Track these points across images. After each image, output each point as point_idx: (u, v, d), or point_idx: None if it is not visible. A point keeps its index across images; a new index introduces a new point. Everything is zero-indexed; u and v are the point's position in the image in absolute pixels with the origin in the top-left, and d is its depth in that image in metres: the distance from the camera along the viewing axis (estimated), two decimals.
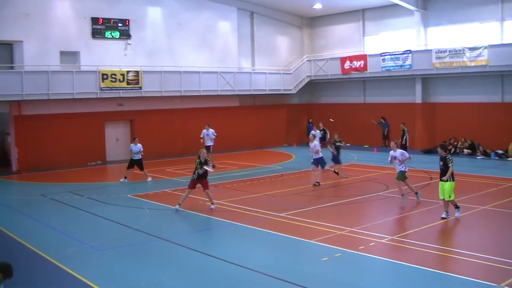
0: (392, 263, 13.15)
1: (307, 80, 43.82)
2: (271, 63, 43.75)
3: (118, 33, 35.66)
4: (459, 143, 35.44)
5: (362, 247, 14.39)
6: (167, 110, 37.45)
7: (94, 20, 34.68)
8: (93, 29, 34.67)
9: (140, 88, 34.64)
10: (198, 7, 39.36)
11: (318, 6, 41.48)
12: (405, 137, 33.28)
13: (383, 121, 38.35)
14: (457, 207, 17.68)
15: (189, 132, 37.02)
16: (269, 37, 44.00)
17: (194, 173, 20.10)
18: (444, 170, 17.57)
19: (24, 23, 32.02)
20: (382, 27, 41.49)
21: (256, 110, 42.84)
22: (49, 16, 33.10)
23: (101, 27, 34.93)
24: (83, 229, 17.76)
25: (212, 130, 31.11)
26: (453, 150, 35.08)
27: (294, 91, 43.50)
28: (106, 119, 35.15)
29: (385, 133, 38.58)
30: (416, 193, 20.58)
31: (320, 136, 34.37)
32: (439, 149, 18.11)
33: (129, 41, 36.06)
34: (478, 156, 33.89)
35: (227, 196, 22.27)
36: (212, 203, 20.03)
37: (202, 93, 37.75)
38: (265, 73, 41.71)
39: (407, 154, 20.78)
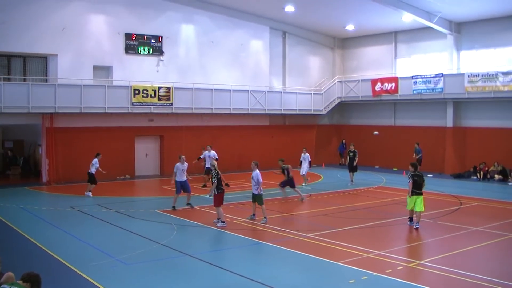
0: None
1: (337, 101, 43.75)
2: (302, 83, 43.76)
3: (151, 49, 35.99)
4: (491, 168, 35.00)
5: (390, 270, 14.23)
6: (197, 127, 37.63)
7: (128, 36, 35.07)
8: (126, 44, 35.04)
9: (171, 104, 34.84)
10: (231, 25, 39.59)
11: (350, 27, 41.56)
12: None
13: (417, 147, 37.30)
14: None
15: (219, 149, 37.04)
16: (300, 57, 44.05)
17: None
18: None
19: (60, 37, 32.50)
20: (414, 50, 41.31)
21: (286, 130, 42.83)
22: (84, 31, 33.55)
23: (134, 43, 35.29)
24: (110, 243, 17.84)
25: (214, 152, 30.72)
26: (483, 175, 34.73)
27: (324, 112, 43.44)
28: (136, 134, 35.41)
29: (419, 159, 37.29)
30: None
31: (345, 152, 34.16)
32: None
33: (161, 58, 36.35)
34: (510, 182, 33.43)
35: (255, 215, 22.18)
36: (220, 220, 20.39)
37: (232, 111, 37.85)
38: (296, 93, 41.73)
39: None
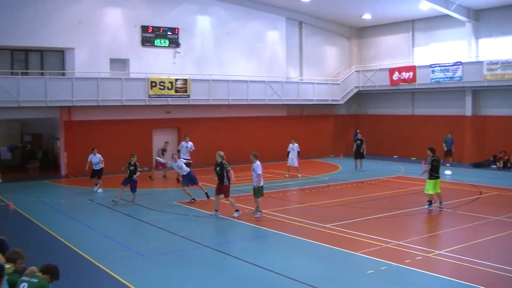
0: (439, 278, 12.86)
1: (355, 90, 43.56)
2: (319, 73, 43.57)
3: (167, 41, 36.02)
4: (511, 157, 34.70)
5: (408, 260, 14.15)
6: (214, 118, 37.66)
7: (144, 28, 35.11)
8: (142, 37, 35.09)
9: (188, 96, 34.86)
10: (247, 16, 39.49)
11: (367, 16, 41.28)
12: None
13: (450, 137, 36.79)
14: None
15: (236, 141, 37.15)
16: (317, 47, 43.85)
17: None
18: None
19: (76, 30, 32.63)
20: (432, 38, 40.95)
21: (303, 120, 42.71)
22: (100, 24, 33.66)
23: (150, 35, 35.33)
24: (129, 235, 17.95)
25: (191, 143, 30.26)
26: (503, 164, 34.44)
27: (341, 102, 43.28)
28: (153, 127, 35.50)
29: (450, 149, 36.67)
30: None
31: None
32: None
33: (178, 49, 36.36)
34: None
35: (273, 206, 22.18)
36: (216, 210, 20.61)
37: (249, 102, 37.82)
38: (313, 83, 41.59)
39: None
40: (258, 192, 20.32)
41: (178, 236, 17.33)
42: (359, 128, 42.04)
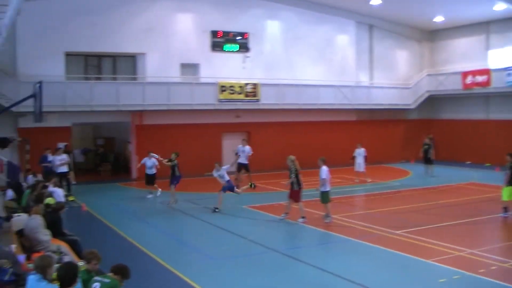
0: None
1: (426, 95, 42.70)
2: (390, 77, 42.89)
3: (237, 46, 36.17)
4: None
5: (483, 270, 13.70)
6: (283, 123, 37.56)
7: (214, 33, 35.36)
8: (212, 42, 35.35)
9: (258, 100, 34.94)
10: (316, 20, 39.26)
11: (439, 19, 40.31)
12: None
13: None
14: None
15: (306, 145, 36.88)
16: (387, 50, 43.16)
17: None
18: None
19: (147, 36, 33.17)
20: (508, 40, 39.69)
21: (374, 125, 42.14)
22: (171, 30, 34.11)
23: (220, 40, 35.55)
24: (198, 238, 18.03)
25: (248, 147, 29.75)
26: None
27: (413, 106, 42.53)
28: (223, 131, 35.69)
29: None
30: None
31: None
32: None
33: (247, 54, 36.45)
34: None
35: (343, 211, 21.94)
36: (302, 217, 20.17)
37: (319, 107, 37.57)
38: (383, 87, 41.04)
39: None
40: (323, 197, 20.17)
41: (247, 239, 17.32)
42: (429, 134, 41.25)
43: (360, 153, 31.01)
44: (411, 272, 13.95)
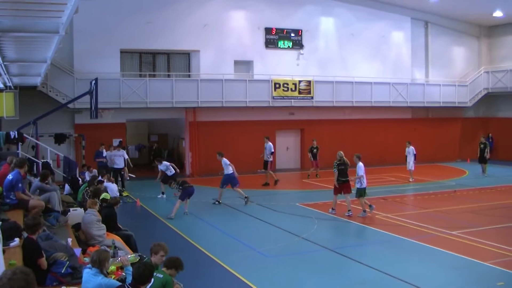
0: None
1: (484, 92, 41.81)
2: (446, 74, 42.09)
3: (291, 43, 36.04)
4: None
5: None
6: (337, 120, 37.29)
7: (268, 30, 35.30)
8: (266, 39, 35.30)
9: (312, 97, 34.76)
10: (371, 17, 38.80)
11: (498, 14, 39.25)
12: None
13: None
14: None
15: (360, 143, 36.56)
16: (444, 47, 42.30)
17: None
18: None
19: (202, 33, 33.33)
20: None
21: (429, 123, 41.49)
22: (225, 27, 34.20)
23: (274, 37, 35.48)
24: (251, 235, 17.98)
25: (271, 144, 29.69)
26: None
27: (469, 104, 41.69)
28: (277, 128, 35.60)
29: None
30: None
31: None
32: None
33: (301, 51, 36.28)
34: None
35: (397, 210, 21.67)
36: (349, 210, 20.63)
37: (373, 104, 37.21)
38: (439, 85, 40.32)
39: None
40: (358, 193, 20.54)
41: (300, 238, 17.20)
42: (487, 132, 40.36)
43: (409, 151, 30.49)
44: (467, 274, 13.60)
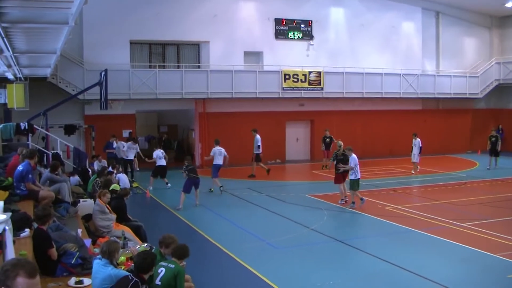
0: None
1: (495, 83, 41.59)
2: (457, 65, 41.83)
3: (301, 34, 35.92)
4: None
5: None
6: (347, 111, 37.14)
7: (278, 21, 35.19)
8: (276, 30, 35.20)
9: (322, 89, 34.68)
10: (381, 7, 38.60)
11: (510, 4, 38.84)
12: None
13: None
14: None
15: (370, 134, 36.53)
16: (455, 38, 42.01)
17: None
18: None
19: (211, 24, 33.25)
20: None
21: (440, 114, 41.32)
22: (234, 18, 34.11)
23: (284, 28, 35.38)
24: (260, 226, 17.97)
25: (258, 137, 28.96)
26: None
27: (480, 96, 41.47)
28: (287, 119, 35.57)
29: None
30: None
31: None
32: None
33: (311, 42, 36.18)
34: None
35: (406, 202, 21.63)
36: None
37: (384, 95, 37.08)
38: (450, 75, 40.08)
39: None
40: (352, 184, 20.56)
41: (309, 229, 17.18)
42: (498, 124, 40.08)
43: (415, 143, 30.19)
44: (477, 266, 13.52)
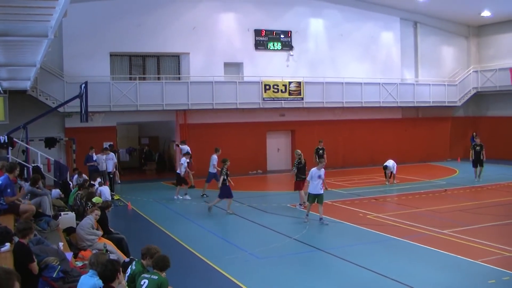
0: None
1: (473, 92, 41.94)
2: (435, 74, 42.16)
3: (281, 45, 36.07)
4: None
5: None
6: (328, 121, 37.29)
7: (257, 32, 35.34)
8: (256, 40, 35.34)
9: (302, 99, 34.80)
10: (360, 17, 38.87)
11: (486, 13, 39.41)
12: None
13: None
14: None
15: (351, 143, 36.68)
16: (433, 47, 42.37)
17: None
18: None
19: (191, 36, 33.37)
20: None
21: (419, 123, 41.59)
22: (214, 29, 34.23)
23: (264, 39, 35.53)
24: (243, 236, 17.99)
25: (187, 147, 28.76)
26: None
27: (459, 104, 41.80)
28: (268, 129, 35.64)
29: None
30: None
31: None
32: None
33: (291, 52, 36.33)
34: None
35: (388, 210, 21.75)
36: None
37: (364, 105, 37.24)
38: (429, 84, 40.40)
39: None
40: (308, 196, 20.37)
41: (291, 239, 17.20)
42: (476, 131, 40.36)
43: (389, 166, 29.68)
44: (459, 272, 13.61)
